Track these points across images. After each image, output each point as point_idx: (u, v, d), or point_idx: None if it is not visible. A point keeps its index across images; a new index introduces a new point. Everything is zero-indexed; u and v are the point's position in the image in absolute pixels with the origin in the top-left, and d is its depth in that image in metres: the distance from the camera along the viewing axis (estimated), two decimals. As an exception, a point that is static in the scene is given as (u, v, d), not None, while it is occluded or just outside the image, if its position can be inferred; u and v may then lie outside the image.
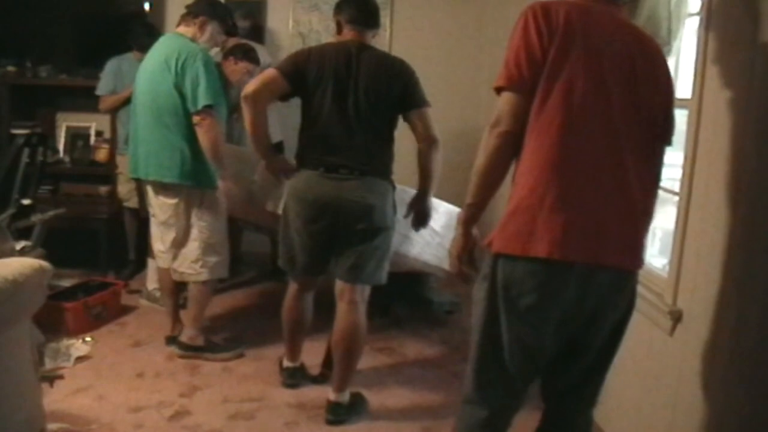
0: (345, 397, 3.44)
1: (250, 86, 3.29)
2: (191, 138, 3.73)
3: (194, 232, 3.91)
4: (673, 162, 3.17)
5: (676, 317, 2.68)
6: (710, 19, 2.55)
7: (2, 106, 5.67)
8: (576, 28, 2.07)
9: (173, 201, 3.86)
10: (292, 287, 3.63)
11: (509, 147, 2.12)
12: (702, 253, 2.56)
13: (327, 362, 3.79)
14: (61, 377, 3.64)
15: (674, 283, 2.72)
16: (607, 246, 2.07)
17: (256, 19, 6.07)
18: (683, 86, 2.89)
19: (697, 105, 2.61)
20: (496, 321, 2.14)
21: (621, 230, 2.09)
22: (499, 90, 2.15)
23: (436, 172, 3.37)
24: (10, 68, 5.76)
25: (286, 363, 3.79)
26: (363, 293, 3.40)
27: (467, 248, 2.27)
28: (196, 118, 3.67)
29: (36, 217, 4.26)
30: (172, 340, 4.13)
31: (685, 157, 2.68)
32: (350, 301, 3.37)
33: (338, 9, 3.42)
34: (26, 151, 4.45)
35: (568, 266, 2.05)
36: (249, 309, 4.99)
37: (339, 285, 3.40)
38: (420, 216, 3.54)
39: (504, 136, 2.10)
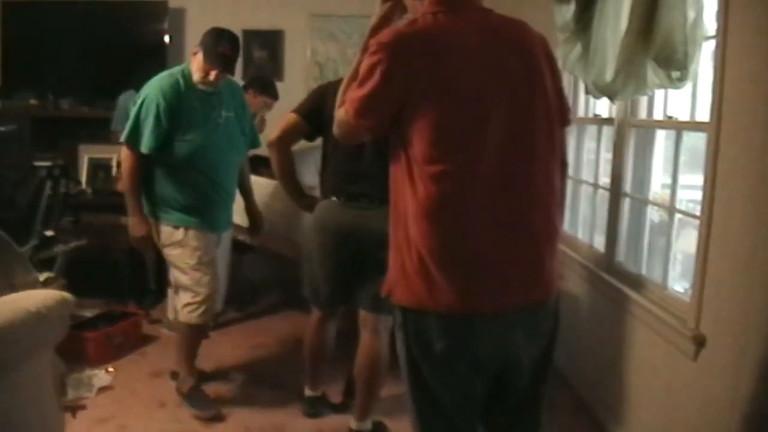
0: (367, 425, 3.42)
1: (273, 133, 3.42)
2: (149, 166, 3.65)
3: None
4: (692, 184, 3.17)
5: (700, 342, 2.66)
6: (726, 41, 2.55)
7: (24, 138, 5.74)
8: (443, 60, 1.92)
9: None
10: (315, 316, 3.63)
11: None
12: (725, 277, 2.54)
13: (348, 391, 3.78)
14: (83, 407, 3.67)
15: (697, 307, 2.70)
16: (511, 288, 1.98)
17: (274, 49, 6.14)
18: (701, 110, 2.89)
19: (716, 128, 2.60)
20: (419, 369, 2.05)
21: (524, 266, 1.99)
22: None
23: None
24: (32, 101, 5.85)
25: (308, 392, 3.78)
26: (386, 322, 3.39)
27: None
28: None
29: (58, 248, 4.31)
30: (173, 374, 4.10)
31: (705, 181, 2.67)
32: (373, 330, 3.35)
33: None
34: (49, 182, 4.52)
35: (472, 317, 1.97)
36: (270, 336, 4.98)
37: (363, 314, 3.39)
38: None
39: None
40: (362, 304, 3.36)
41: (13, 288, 2.72)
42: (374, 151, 3.23)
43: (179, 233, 3.67)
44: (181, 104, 3.58)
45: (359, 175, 3.21)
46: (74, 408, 3.63)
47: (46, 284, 3.48)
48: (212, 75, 3.58)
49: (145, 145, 3.54)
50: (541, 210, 2.02)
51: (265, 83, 5.25)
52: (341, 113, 2.09)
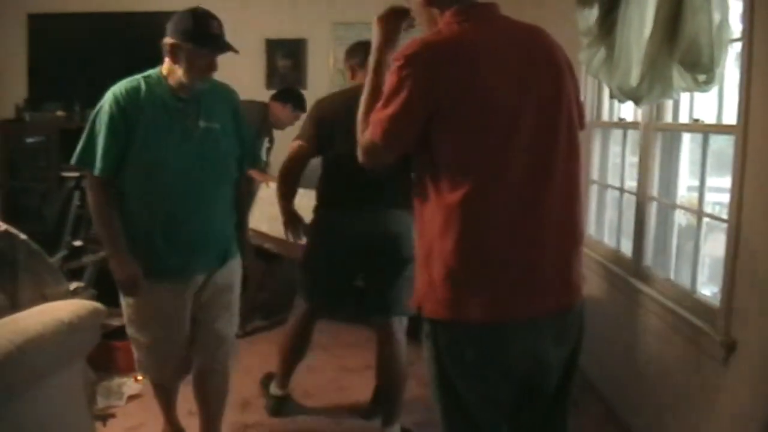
0: (395, 430, 3.43)
1: (283, 167, 3.48)
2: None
3: None
4: (718, 186, 3.15)
5: (730, 347, 2.63)
6: (753, 43, 2.54)
7: (52, 149, 5.81)
8: (472, 67, 1.92)
9: None
10: (304, 312, 3.66)
11: None
12: (755, 281, 2.52)
13: (376, 397, 3.79)
14: (113, 416, 3.70)
15: (726, 312, 2.68)
16: (540, 294, 1.99)
17: (297, 57, 6.17)
18: (728, 112, 2.88)
19: (743, 131, 2.58)
20: (448, 377, 2.05)
21: (552, 271, 2.00)
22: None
23: None
24: (60, 113, 5.93)
25: (276, 390, 3.82)
26: (401, 324, 3.42)
27: None
28: None
29: (87, 258, 4.34)
30: None
31: (733, 184, 2.65)
32: (388, 334, 3.41)
33: (350, 55, 3.56)
34: (77, 193, 4.56)
35: (503, 325, 1.97)
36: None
37: (376, 319, 3.45)
38: None
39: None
40: (374, 309, 3.44)
41: (45, 298, 2.76)
42: None
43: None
44: (139, 112, 2.84)
45: (365, 182, 3.22)
46: (104, 416, 3.66)
47: (75, 294, 3.52)
48: (215, 64, 2.91)
49: (98, 167, 2.81)
50: (568, 215, 2.03)
51: (301, 99, 5.29)
52: (366, 138, 2.04)
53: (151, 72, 2.98)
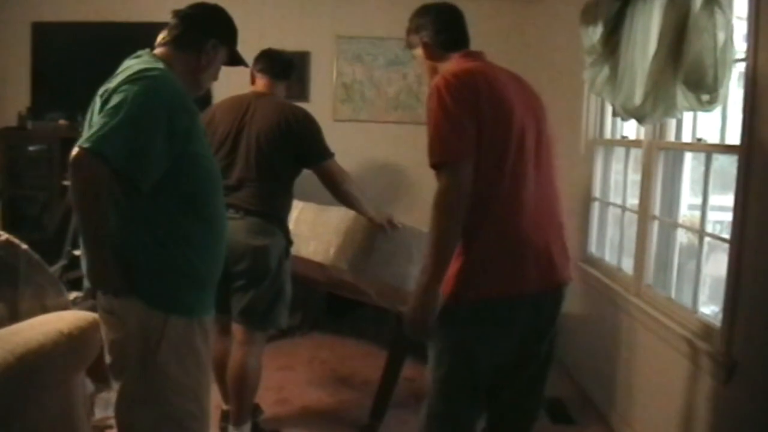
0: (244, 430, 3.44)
1: None
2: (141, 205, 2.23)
3: None
4: (720, 204, 3.15)
5: (731, 367, 2.63)
6: (757, 63, 2.55)
7: (54, 159, 5.81)
8: (491, 87, 2.28)
9: None
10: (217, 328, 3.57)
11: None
12: (757, 301, 2.52)
13: (375, 412, 3.77)
14: (111, 427, 3.67)
15: (728, 332, 2.67)
16: (552, 269, 2.37)
17: (300, 70, 6.18)
18: (731, 132, 2.88)
19: (746, 151, 2.59)
20: (469, 351, 2.32)
21: (557, 250, 2.39)
22: (438, 166, 2.20)
23: (361, 202, 3.51)
24: (62, 122, 5.91)
25: (224, 406, 3.73)
26: (258, 335, 3.43)
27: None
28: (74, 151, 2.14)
29: (87, 268, 4.33)
30: None
31: (735, 204, 2.65)
32: (241, 343, 3.40)
33: (254, 62, 3.57)
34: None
35: (523, 298, 2.31)
36: (295, 358, 4.95)
37: (233, 326, 3.44)
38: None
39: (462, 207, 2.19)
40: (233, 315, 3.40)
41: (45, 309, 2.76)
42: (246, 165, 3.33)
43: (191, 329, 2.28)
44: (193, 110, 2.35)
45: (228, 188, 3.16)
46: (102, 428, 3.64)
47: (74, 304, 3.52)
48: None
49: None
50: (558, 210, 2.48)
51: None
52: (440, 182, 2.18)
53: (153, 60, 2.39)
